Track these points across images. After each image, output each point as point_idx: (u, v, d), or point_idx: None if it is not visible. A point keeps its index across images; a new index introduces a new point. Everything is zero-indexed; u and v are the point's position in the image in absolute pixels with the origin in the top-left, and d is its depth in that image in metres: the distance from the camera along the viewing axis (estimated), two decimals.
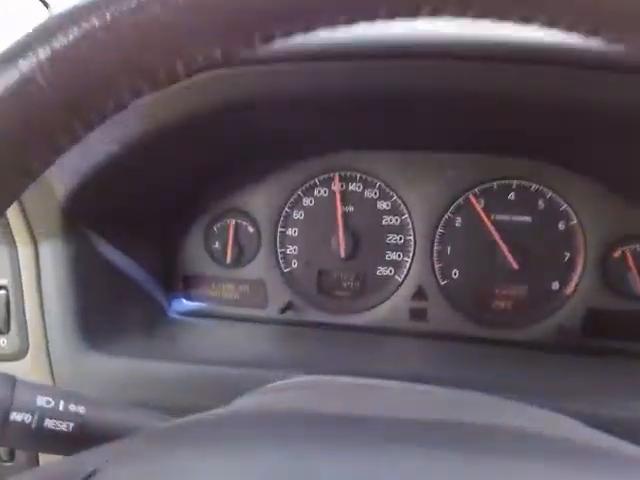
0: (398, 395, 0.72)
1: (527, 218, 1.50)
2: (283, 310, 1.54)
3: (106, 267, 1.41)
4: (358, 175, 1.59)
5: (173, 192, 1.47)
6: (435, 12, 0.30)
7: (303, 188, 1.61)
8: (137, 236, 1.51)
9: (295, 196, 1.62)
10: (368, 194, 1.60)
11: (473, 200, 1.53)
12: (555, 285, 1.50)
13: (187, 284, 1.69)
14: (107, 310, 1.26)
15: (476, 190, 1.54)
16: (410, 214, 1.56)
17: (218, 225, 1.67)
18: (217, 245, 1.67)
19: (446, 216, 1.54)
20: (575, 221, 1.49)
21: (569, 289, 1.49)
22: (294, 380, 0.90)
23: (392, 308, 1.49)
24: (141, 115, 1.09)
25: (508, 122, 1.28)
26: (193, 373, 1.14)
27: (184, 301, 1.68)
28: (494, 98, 1.10)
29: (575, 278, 1.49)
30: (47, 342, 1.11)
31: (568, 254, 1.50)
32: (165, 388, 1.12)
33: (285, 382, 0.87)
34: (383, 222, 1.58)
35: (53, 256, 1.19)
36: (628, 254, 1.46)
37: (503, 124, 1.32)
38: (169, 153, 1.20)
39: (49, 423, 0.61)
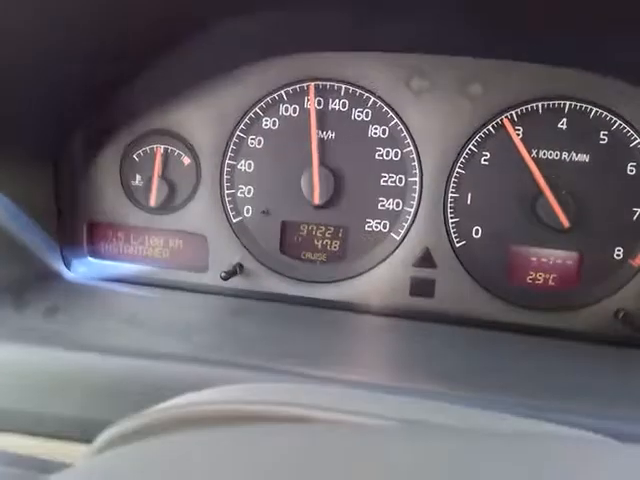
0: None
1: (583, 156, 1.04)
2: (229, 275, 1.12)
3: None
4: (343, 87, 1.09)
5: (70, 95, 1.08)
6: None
7: (263, 103, 1.12)
8: (12, 161, 1.05)
9: (251, 114, 1.12)
10: (356, 114, 1.11)
11: (508, 126, 1.08)
12: (618, 253, 1.04)
13: (93, 234, 1.19)
14: None
15: (512, 113, 1.06)
16: (416, 145, 1.09)
17: (139, 152, 1.18)
18: (137, 181, 1.17)
19: (467, 149, 1.06)
20: None
21: (638, 259, 1.03)
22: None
23: (385, 278, 1.15)
24: None
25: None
26: (100, 368, 0.81)
27: (89, 259, 1.18)
28: None
29: None
30: None
31: (638, 210, 1.02)
32: (61, 389, 0.80)
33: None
34: (376, 155, 1.11)
35: None
36: None
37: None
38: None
39: None
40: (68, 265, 1.22)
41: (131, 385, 0.80)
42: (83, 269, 1.23)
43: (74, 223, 1.22)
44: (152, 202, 1.19)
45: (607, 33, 0.98)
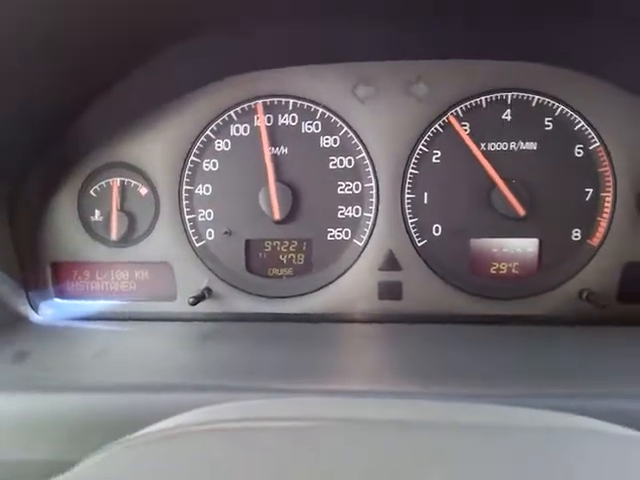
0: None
1: (531, 144, 1.05)
2: (197, 300, 1.09)
3: None
4: (290, 101, 1.11)
5: (20, 133, 1.08)
6: None
7: (214, 125, 1.13)
8: None
9: (203, 137, 1.12)
10: (306, 127, 1.12)
11: (455, 123, 1.09)
12: (576, 234, 1.05)
13: (57, 274, 1.19)
14: None
15: (457, 109, 1.08)
16: (368, 151, 1.10)
17: (96, 187, 1.16)
18: (97, 216, 1.16)
19: (418, 149, 1.07)
20: (597, 143, 1.04)
21: (596, 238, 1.04)
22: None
23: (352, 285, 1.17)
24: None
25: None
26: (73, 407, 0.79)
27: (56, 300, 1.16)
28: None
29: (603, 223, 1.05)
30: None
31: (591, 190, 1.05)
32: (34, 433, 0.78)
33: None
34: (330, 165, 1.11)
35: None
36: None
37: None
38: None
39: None
40: (35, 308, 1.20)
41: (105, 420, 0.79)
42: (50, 310, 1.21)
43: (37, 265, 1.20)
44: (113, 236, 1.18)
45: (543, 21, 1.00)
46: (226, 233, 1.18)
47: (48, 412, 0.81)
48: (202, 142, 1.18)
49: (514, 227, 1.11)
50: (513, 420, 0.58)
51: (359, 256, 1.15)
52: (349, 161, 1.16)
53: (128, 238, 1.19)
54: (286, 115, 1.17)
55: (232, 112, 1.17)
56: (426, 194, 1.14)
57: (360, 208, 1.16)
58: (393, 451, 0.49)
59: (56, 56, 0.93)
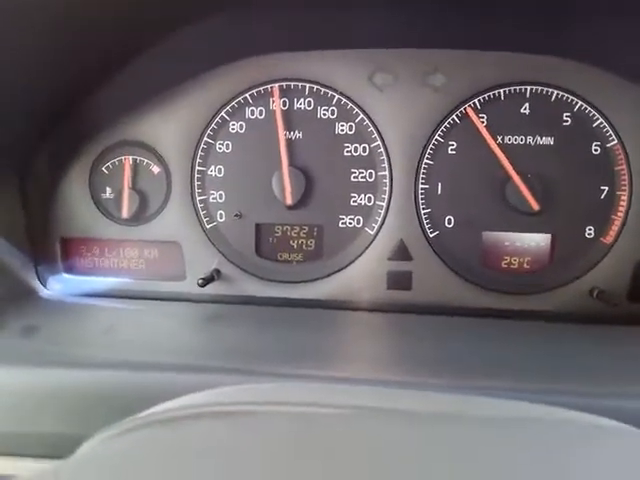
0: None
1: (548, 139, 1.05)
2: (206, 282, 1.09)
3: None
4: (307, 86, 1.10)
5: (33, 110, 1.07)
6: None
7: (229, 107, 1.12)
8: None
9: (218, 119, 1.12)
10: (322, 112, 1.11)
11: (472, 115, 1.08)
12: (590, 232, 1.05)
13: (67, 250, 1.18)
14: None
15: (475, 101, 1.07)
16: (383, 139, 1.10)
17: (108, 164, 1.16)
18: (108, 193, 1.15)
19: (434, 140, 1.07)
20: (615, 141, 1.04)
21: (609, 237, 1.04)
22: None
23: (362, 273, 1.16)
24: None
25: None
26: (82, 382, 0.79)
27: (65, 275, 1.16)
28: None
29: (617, 221, 1.04)
30: None
31: (606, 188, 1.04)
32: (43, 407, 0.79)
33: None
34: (345, 152, 1.10)
35: None
36: None
37: None
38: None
39: None
40: (44, 283, 1.20)
41: (111, 396, 0.79)
42: (59, 286, 1.21)
43: (47, 240, 1.20)
44: (124, 214, 1.18)
45: (565, 15, 0.99)
46: (237, 216, 1.18)
47: (56, 386, 0.81)
48: (216, 123, 1.17)
49: (527, 222, 1.11)
50: (516, 413, 0.58)
51: (370, 244, 1.15)
52: (364, 149, 1.15)
53: (139, 216, 1.19)
54: (302, 100, 1.16)
55: (248, 94, 1.17)
56: (440, 185, 1.13)
57: (373, 196, 1.15)
58: (397, 440, 0.49)
59: (72, 31, 0.93)
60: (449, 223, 1.13)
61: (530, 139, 1.11)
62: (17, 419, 0.81)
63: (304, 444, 0.48)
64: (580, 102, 1.10)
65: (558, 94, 1.10)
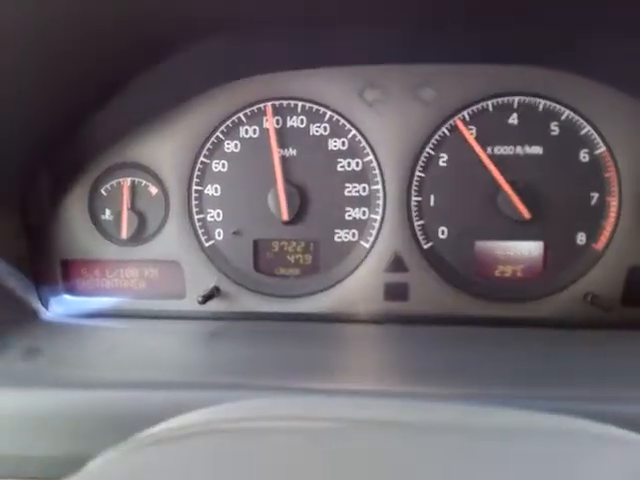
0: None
1: (537, 148, 1.06)
2: (206, 299, 1.10)
3: None
4: (299, 104, 1.12)
5: (33, 133, 1.09)
6: None
7: (224, 127, 1.14)
8: None
9: (213, 139, 1.14)
10: (315, 129, 1.13)
11: (461, 127, 1.09)
12: (581, 238, 1.07)
13: (68, 272, 1.20)
14: None
15: (464, 113, 1.09)
16: (375, 154, 1.11)
17: (107, 186, 1.18)
18: (107, 214, 1.17)
19: (425, 153, 1.09)
20: (603, 148, 1.05)
21: (601, 243, 1.05)
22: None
23: (358, 286, 1.18)
24: None
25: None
26: (84, 403, 0.80)
27: (66, 297, 1.17)
28: None
29: (608, 227, 1.05)
30: None
31: (596, 195, 1.06)
32: (44, 429, 0.79)
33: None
34: (338, 167, 1.12)
35: None
36: None
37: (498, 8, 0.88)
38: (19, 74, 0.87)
39: None
40: (45, 304, 1.22)
41: (114, 416, 0.80)
42: (60, 307, 1.23)
43: (48, 262, 1.22)
44: (123, 234, 1.20)
45: (550, 27, 1.01)
46: (235, 233, 1.20)
47: (58, 408, 0.82)
48: (212, 143, 1.19)
49: (519, 230, 1.13)
50: (519, 423, 0.59)
51: (365, 257, 1.16)
52: (357, 163, 1.17)
53: (138, 237, 1.21)
54: (295, 117, 1.18)
55: (241, 114, 1.19)
56: (432, 197, 1.15)
57: (367, 210, 1.17)
58: (396, 452, 0.50)
59: (70, 59, 0.95)
60: (443, 234, 1.15)
61: (519, 149, 1.13)
62: (19, 441, 0.82)
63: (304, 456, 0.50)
64: (567, 111, 1.12)
65: (545, 104, 1.12)
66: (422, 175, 1.15)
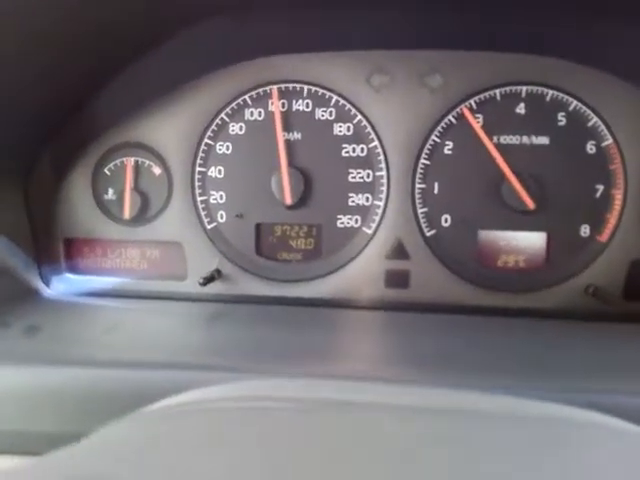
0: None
1: (543, 139, 1.06)
2: (207, 281, 1.11)
3: None
4: (305, 88, 1.11)
5: (36, 112, 1.09)
6: None
7: (228, 109, 1.14)
8: None
9: (218, 120, 1.13)
10: (320, 114, 1.12)
11: (468, 115, 1.09)
12: (585, 230, 1.06)
13: (70, 250, 1.20)
14: None
15: (471, 101, 1.08)
16: (380, 140, 1.11)
17: (110, 165, 1.18)
18: (110, 194, 1.17)
19: (431, 140, 1.08)
20: (610, 140, 1.05)
21: (604, 235, 1.05)
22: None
23: (360, 272, 1.17)
24: None
25: None
26: (84, 381, 0.80)
27: (67, 275, 1.17)
28: None
29: (612, 220, 1.05)
30: None
31: (601, 187, 1.05)
32: (46, 406, 0.79)
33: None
34: (343, 152, 1.12)
35: None
36: None
37: None
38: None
39: None
40: (47, 283, 1.22)
41: (115, 395, 0.81)
42: (62, 286, 1.23)
43: (50, 240, 1.22)
44: (126, 214, 1.20)
45: (560, 16, 1.00)
46: (237, 216, 1.19)
47: (57, 385, 0.82)
48: (216, 125, 1.19)
49: (523, 220, 1.12)
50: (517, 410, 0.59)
51: (368, 244, 1.16)
52: (362, 149, 1.16)
53: (140, 217, 1.21)
54: (300, 101, 1.18)
55: (247, 96, 1.18)
56: (437, 184, 1.15)
57: (370, 196, 1.17)
58: (392, 435, 0.50)
59: (73, 34, 0.94)
60: (446, 222, 1.15)
61: (526, 139, 1.12)
62: (19, 418, 0.83)
63: (299, 434, 0.50)
64: (575, 102, 1.11)
65: (553, 94, 1.12)
66: (427, 162, 1.14)
